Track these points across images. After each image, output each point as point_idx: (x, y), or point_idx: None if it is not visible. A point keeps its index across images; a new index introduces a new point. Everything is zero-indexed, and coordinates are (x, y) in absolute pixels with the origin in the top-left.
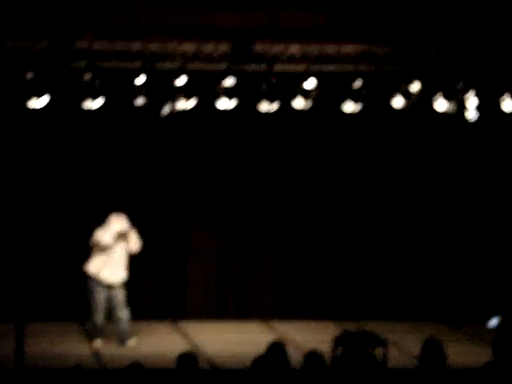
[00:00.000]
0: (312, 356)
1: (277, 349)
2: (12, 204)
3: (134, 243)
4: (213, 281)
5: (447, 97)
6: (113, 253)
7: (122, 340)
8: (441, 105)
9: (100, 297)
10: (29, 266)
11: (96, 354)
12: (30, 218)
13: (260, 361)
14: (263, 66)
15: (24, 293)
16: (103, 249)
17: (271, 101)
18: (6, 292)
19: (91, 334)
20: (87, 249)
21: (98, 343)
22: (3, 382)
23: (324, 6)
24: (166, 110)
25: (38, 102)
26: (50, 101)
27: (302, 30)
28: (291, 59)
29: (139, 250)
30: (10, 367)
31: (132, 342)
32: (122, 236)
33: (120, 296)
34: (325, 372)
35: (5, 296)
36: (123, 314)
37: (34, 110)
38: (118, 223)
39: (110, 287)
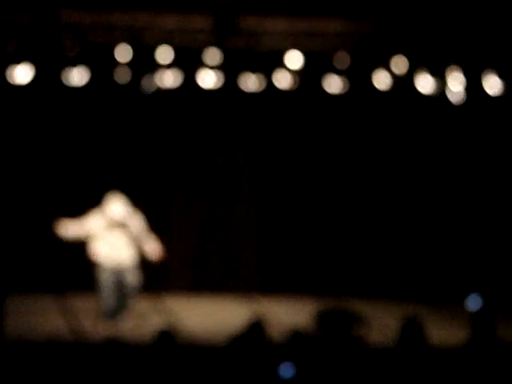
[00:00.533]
0: (296, 336)
1: (256, 328)
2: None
3: (137, 229)
4: (194, 254)
5: (431, 76)
6: (109, 236)
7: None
8: (425, 85)
9: (106, 281)
10: (6, 239)
11: (74, 329)
12: (8, 192)
13: (239, 340)
14: (247, 41)
15: (4, 265)
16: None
17: (255, 77)
18: None
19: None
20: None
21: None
22: None
23: None
24: (148, 85)
25: (21, 76)
26: (35, 75)
27: (287, 5)
28: (275, 34)
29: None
30: None
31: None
32: (117, 225)
33: (129, 278)
34: (306, 350)
35: None
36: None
37: (18, 84)
38: (114, 207)
39: (117, 270)
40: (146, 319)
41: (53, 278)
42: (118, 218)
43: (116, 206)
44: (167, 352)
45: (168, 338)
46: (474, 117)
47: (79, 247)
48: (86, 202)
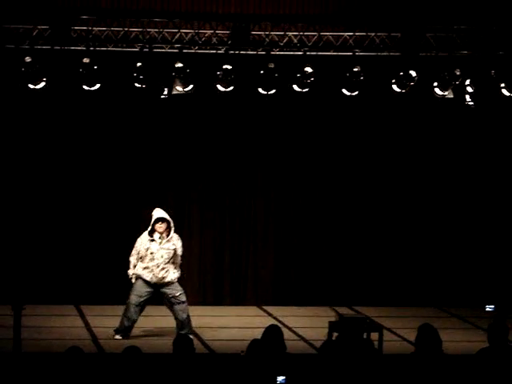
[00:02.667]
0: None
1: (273, 332)
2: (9, 188)
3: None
4: (209, 268)
5: (444, 83)
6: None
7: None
8: (438, 90)
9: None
10: (26, 249)
11: (93, 338)
12: (27, 202)
13: (257, 344)
14: (261, 51)
15: (22, 276)
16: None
17: (269, 85)
18: (3, 275)
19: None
20: (83, 231)
21: (118, 337)
22: (0, 366)
23: None
24: (164, 93)
25: (36, 86)
26: (49, 84)
27: (301, 17)
28: (289, 45)
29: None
30: (7, 351)
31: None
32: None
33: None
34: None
35: (2, 279)
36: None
37: (32, 92)
38: (160, 223)
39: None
40: (164, 328)
41: (70, 289)
42: (165, 231)
43: (162, 220)
44: (185, 359)
45: (186, 346)
46: (489, 119)
47: (97, 259)
48: (103, 211)
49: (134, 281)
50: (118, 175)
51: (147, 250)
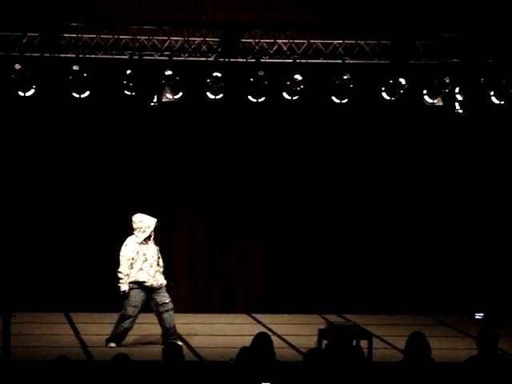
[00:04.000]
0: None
1: (262, 340)
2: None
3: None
4: (199, 275)
5: (434, 90)
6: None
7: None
8: (428, 98)
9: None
10: (15, 256)
11: (83, 345)
12: (17, 209)
13: (246, 352)
14: (251, 59)
15: (10, 283)
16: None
17: (258, 93)
18: None
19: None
20: (72, 238)
21: (112, 345)
22: None
23: (312, 0)
24: (154, 100)
25: (26, 93)
26: (38, 91)
27: (290, 24)
28: (278, 52)
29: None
30: None
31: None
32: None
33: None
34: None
35: None
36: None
37: (22, 99)
38: (149, 226)
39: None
40: (153, 336)
41: (60, 296)
42: (152, 233)
43: (149, 223)
44: (175, 367)
45: (175, 353)
46: (479, 126)
47: (86, 266)
48: (93, 217)
49: (127, 291)
50: (107, 182)
51: (138, 252)
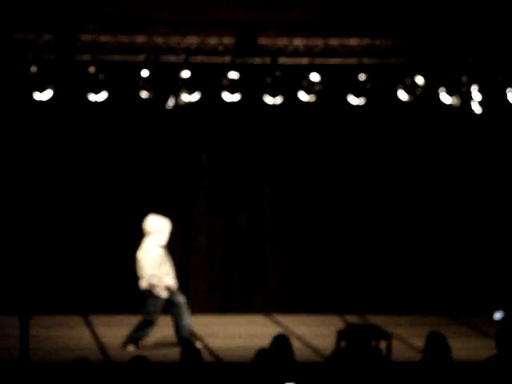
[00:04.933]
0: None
1: (281, 341)
2: (16, 197)
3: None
4: (216, 275)
5: (451, 90)
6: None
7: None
8: (445, 98)
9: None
10: (33, 259)
11: (101, 347)
12: (34, 211)
13: (264, 354)
14: (267, 60)
15: (29, 286)
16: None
17: (275, 94)
18: (10, 285)
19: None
20: (90, 241)
21: (131, 348)
22: (8, 376)
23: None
24: (170, 103)
25: (42, 95)
26: (55, 94)
27: (306, 24)
28: (295, 53)
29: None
30: (15, 361)
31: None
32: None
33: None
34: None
35: (9, 289)
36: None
37: (39, 102)
38: (164, 227)
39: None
40: (169, 337)
41: (78, 299)
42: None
43: (163, 223)
44: (193, 369)
45: (194, 355)
46: (496, 126)
47: (104, 269)
48: (109, 220)
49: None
50: (124, 184)
51: (161, 256)
